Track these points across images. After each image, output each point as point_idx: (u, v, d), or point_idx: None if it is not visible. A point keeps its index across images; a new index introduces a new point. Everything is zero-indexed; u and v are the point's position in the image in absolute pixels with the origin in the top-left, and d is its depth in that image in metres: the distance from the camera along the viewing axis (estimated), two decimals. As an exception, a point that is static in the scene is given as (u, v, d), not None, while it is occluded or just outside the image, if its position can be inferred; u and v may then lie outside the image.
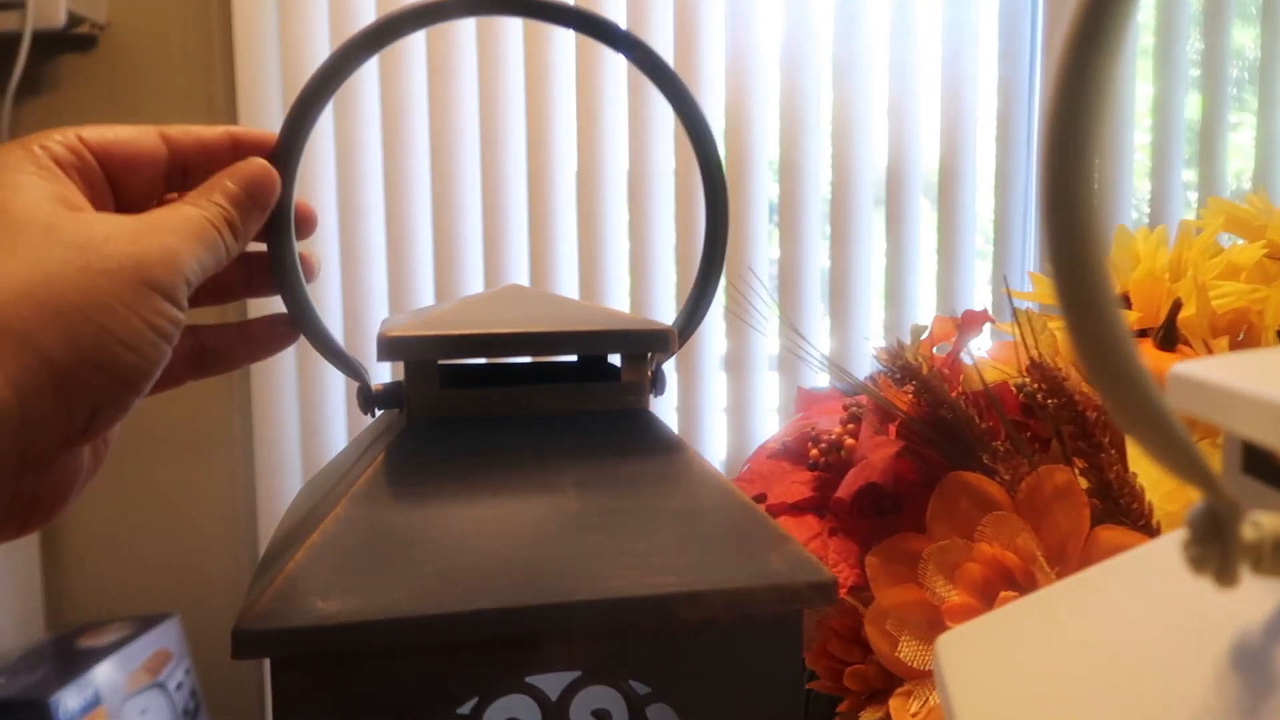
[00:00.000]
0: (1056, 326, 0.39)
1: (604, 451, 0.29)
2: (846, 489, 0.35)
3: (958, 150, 1.10)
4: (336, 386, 1.15)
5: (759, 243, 1.13)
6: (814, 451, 0.39)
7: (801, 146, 1.11)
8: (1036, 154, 1.13)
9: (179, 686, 1.22)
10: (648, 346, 0.30)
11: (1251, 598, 0.15)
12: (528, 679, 0.26)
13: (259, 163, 0.27)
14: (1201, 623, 0.16)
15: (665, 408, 1.16)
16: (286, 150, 0.28)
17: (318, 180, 1.13)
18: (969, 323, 0.38)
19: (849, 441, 0.37)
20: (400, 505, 0.27)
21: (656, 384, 0.33)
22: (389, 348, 0.28)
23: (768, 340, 1.13)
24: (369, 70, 1.13)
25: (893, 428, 0.36)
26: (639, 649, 0.26)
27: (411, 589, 0.24)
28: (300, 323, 0.30)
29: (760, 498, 0.40)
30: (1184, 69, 1.10)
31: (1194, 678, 0.14)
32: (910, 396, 0.36)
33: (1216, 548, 0.13)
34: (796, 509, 0.38)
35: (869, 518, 0.37)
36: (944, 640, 0.21)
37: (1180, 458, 0.13)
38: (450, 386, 0.30)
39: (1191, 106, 1.11)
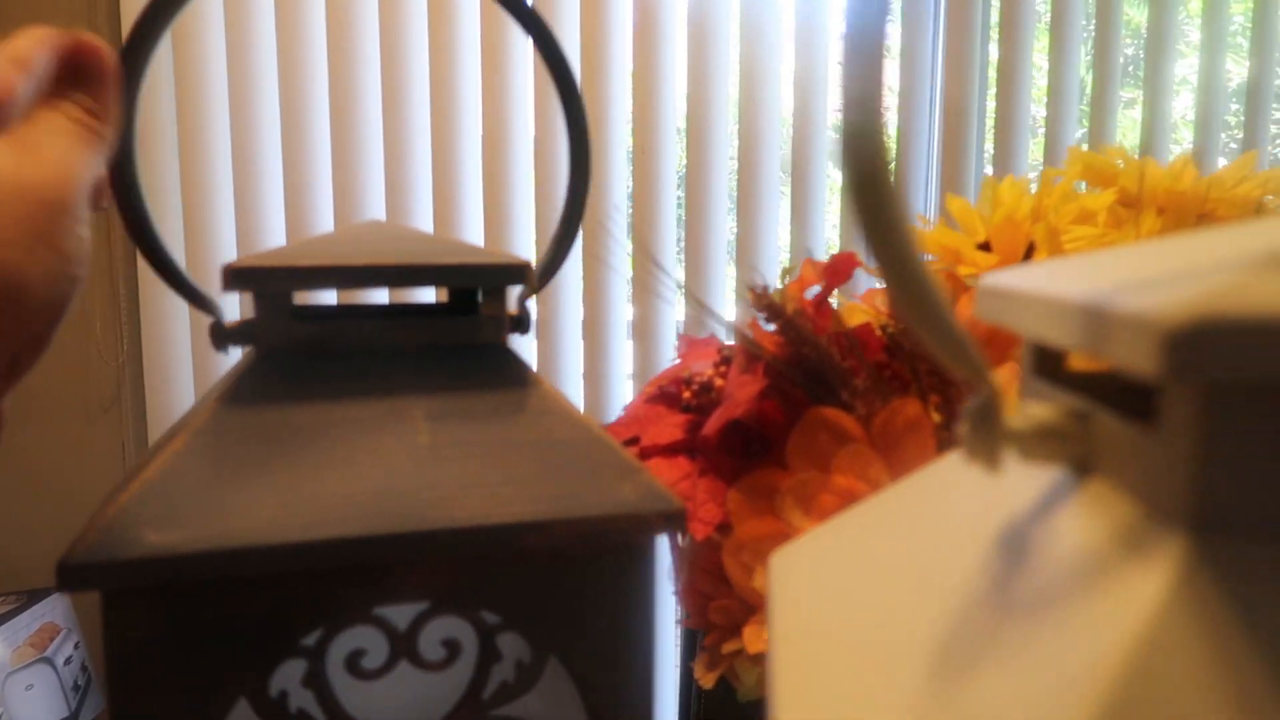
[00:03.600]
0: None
1: (458, 385, 0.29)
2: (712, 426, 0.35)
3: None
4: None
5: (668, 211, 1.14)
6: (686, 393, 0.39)
7: (709, 115, 1.12)
8: (938, 121, 1.16)
9: (68, 661, 1.18)
10: (504, 279, 0.30)
11: (1037, 485, 0.16)
12: (375, 611, 0.26)
13: (101, 51, 0.25)
14: (989, 514, 0.16)
15: (573, 377, 1.17)
16: (132, 55, 0.27)
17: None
18: (835, 266, 0.39)
19: (719, 382, 0.38)
20: (243, 438, 0.26)
21: (522, 323, 0.33)
22: (235, 278, 0.27)
23: (673, 307, 1.15)
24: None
25: (759, 367, 0.37)
26: (490, 579, 0.26)
27: (250, 520, 0.24)
28: (144, 248, 0.29)
29: (634, 440, 0.40)
30: (1078, 44, 1.13)
31: (969, 564, 0.15)
32: (776, 337, 0.37)
33: (984, 436, 0.14)
34: (669, 450, 0.39)
35: (739, 458, 0.38)
36: (776, 556, 0.21)
37: (956, 350, 0.14)
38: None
39: (1085, 80, 1.15)
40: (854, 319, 0.38)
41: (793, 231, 1.13)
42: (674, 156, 1.14)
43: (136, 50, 0.28)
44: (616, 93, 1.12)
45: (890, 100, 1.14)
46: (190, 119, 1.11)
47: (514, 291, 0.32)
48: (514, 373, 0.30)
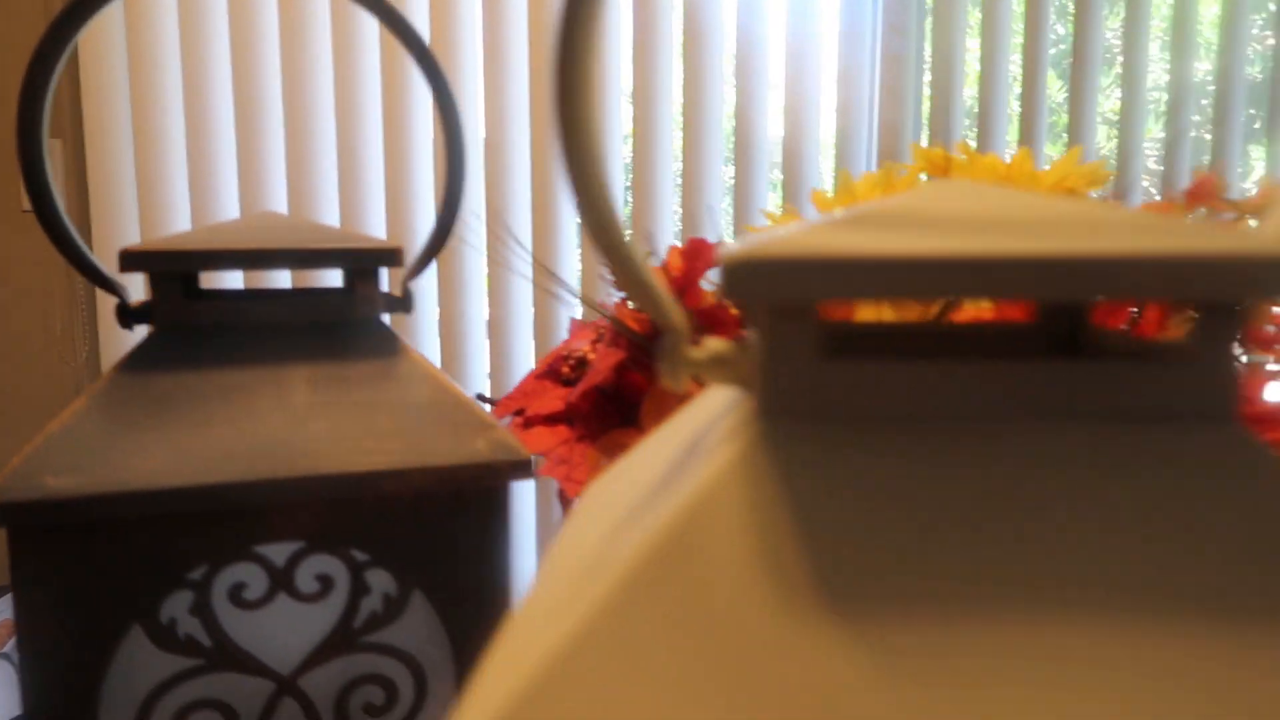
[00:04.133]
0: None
1: (334, 355, 0.33)
2: (577, 393, 0.40)
3: (801, 121, 1.18)
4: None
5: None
6: (565, 368, 0.43)
7: (654, 113, 1.17)
8: (875, 124, 1.22)
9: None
10: (375, 261, 0.33)
11: (723, 402, 0.20)
12: (255, 549, 0.29)
13: None
14: (691, 428, 0.20)
15: (479, 376, 1.22)
16: (41, 57, 0.30)
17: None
18: (695, 251, 0.43)
19: (591, 357, 0.42)
20: (137, 401, 0.30)
21: (404, 302, 0.37)
22: (129, 259, 0.31)
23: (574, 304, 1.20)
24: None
25: (623, 341, 0.41)
26: (359, 521, 0.30)
27: (140, 468, 0.28)
28: (55, 237, 0.32)
29: (520, 412, 0.44)
30: (1008, 31, 1.20)
31: (658, 470, 0.19)
32: (639, 313, 0.41)
33: (672, 364, 0.18)
34: (550, 420, 0.43)
35: (610, 424, 0.42)
36: (584, 492, 0.25)
37: (647, 295, 0.18)
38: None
39: (1015, 65, 1.21)
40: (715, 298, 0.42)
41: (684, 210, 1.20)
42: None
43: (47, 51, 0.31)
44: (532, 94, 1.17)
45: (831, 104, 1.20)
46: (97, 113, 1.14)
47: (399, 275, 0.35)
48: (386, 345, 0.34)
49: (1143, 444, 0.14)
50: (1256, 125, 1.48)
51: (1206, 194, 0.37)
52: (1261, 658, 0.11)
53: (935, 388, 0.14)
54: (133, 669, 0.29)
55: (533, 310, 1.22)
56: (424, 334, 1.22)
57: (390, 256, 0.33)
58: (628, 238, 0.17)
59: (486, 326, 1.22)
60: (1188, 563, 0.12)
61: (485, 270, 1.21)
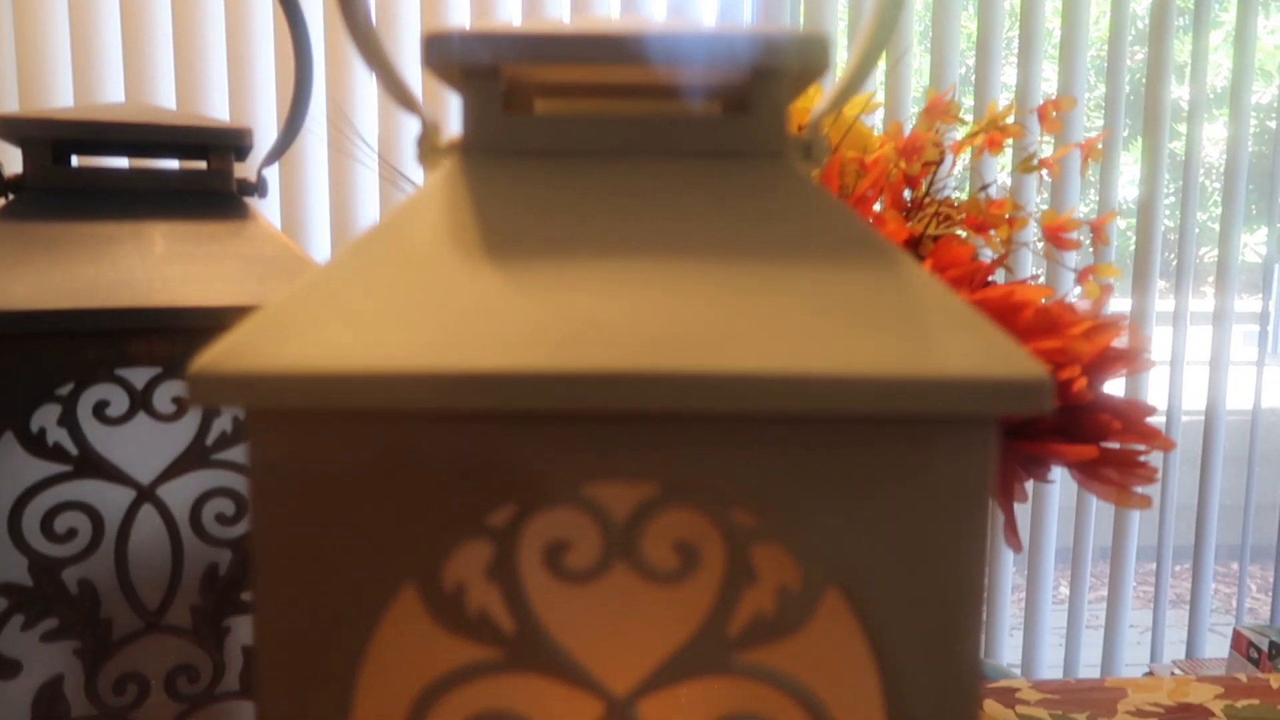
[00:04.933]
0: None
1: (189, 217, 0.37)
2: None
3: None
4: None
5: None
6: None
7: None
8: None
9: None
10: (231, 139, 0.38)
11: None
12: (117, 371, 0.34)
13: None
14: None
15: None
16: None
17: None
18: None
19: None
20: (9, 243, 0.34)
21: (259, 187, 0.42)
22: (2, 126, 0.35)
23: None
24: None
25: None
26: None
27: (14, 293, 0.32)
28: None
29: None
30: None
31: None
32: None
33: (426, 151, 0.24)
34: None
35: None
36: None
37: (399, 92, 0.24)
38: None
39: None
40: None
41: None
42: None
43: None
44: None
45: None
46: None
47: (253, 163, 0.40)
48: (238, 212, 0.39)
49: (716, 167, 0.20)
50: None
51: (941, 111, 0.45)
52: (752, 278, 0.18)
53: (582, 132, 0.20)
54: (6, 473, 0.33)
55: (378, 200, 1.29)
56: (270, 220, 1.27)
57: (240, 136, 0.38)
58: (375, 33, 0.23)
59: (329, 215, 1.28)
60: (726, 232, 0.19)
61: (328, 161, 1.27)
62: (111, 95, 1.19)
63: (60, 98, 1.19)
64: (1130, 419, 0.38)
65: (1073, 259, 1.18)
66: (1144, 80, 1.49)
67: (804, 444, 0.17)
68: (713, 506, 0.18)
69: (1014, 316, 0.38)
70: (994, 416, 0.17)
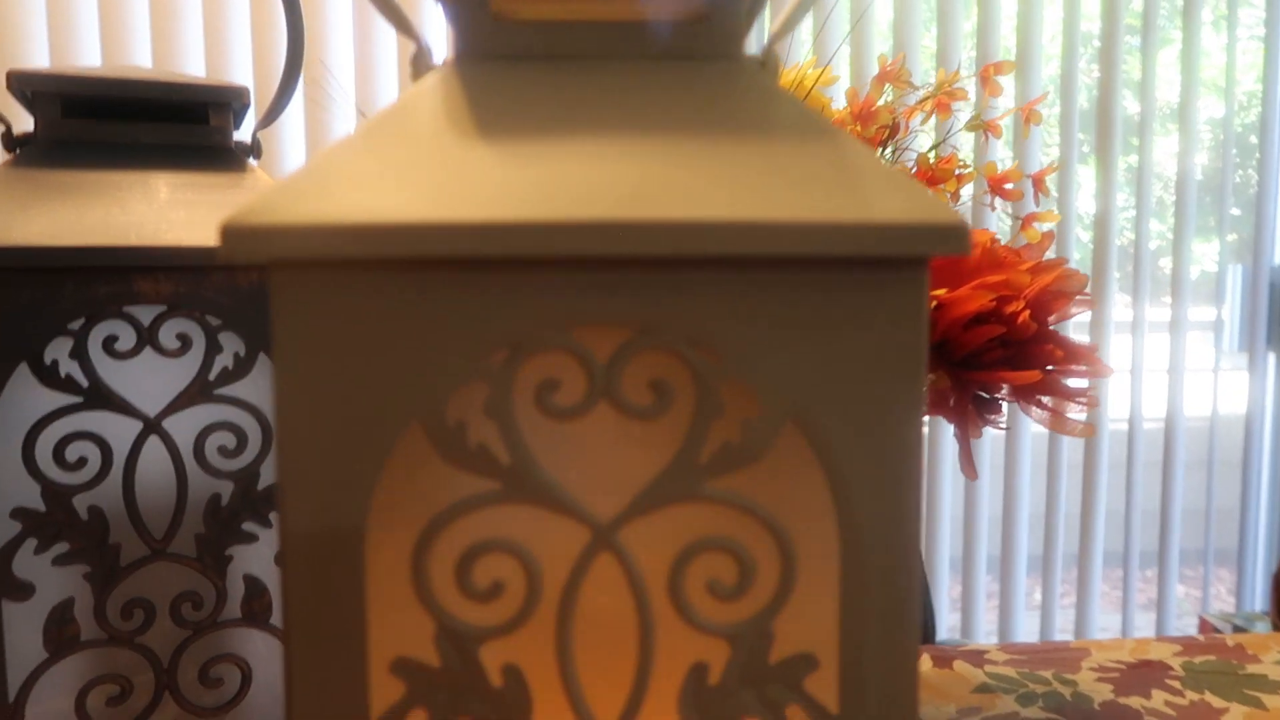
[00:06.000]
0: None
1: (191, 168, 0.40)
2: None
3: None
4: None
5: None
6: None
7: None
8: None
9: None
10: (226, 96, 0.41)
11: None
12: (125, 308, 0.36)
13: None
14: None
15: None
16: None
17: None
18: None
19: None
20: (20, 187, 0.36)
21: (254, 148, 0.44)
22: (14, 79, 0.38)
23: None
24: None
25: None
26: (212, 290, 0.37)
27: (27, 230, 0.34)
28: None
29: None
30: None
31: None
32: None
33: (418, 69, 0.27)
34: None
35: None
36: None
37: (392, 13, 0.26)
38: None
39: None
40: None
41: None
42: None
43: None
44: None
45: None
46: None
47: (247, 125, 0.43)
48: (238, 165, 0.41)
49: (683, 68, 0.23)
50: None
51: (892, 77, 0.48)
52: (713, 150, 0.21)
53: (562, 37, 0.23)
54: (20, 403, 0.35)
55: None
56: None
57: (239, 93, 0.41)
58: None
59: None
60: (691, 117, 0.22)
61: (304, 116, 1.31)
62: (88, 59, 1.21)
63: (36, 60, 1.21)
64: (1071, 348, 0.40)
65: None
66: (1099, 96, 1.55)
67: (760, 289, 0.20)
68: (682, 346, 0.20)
69: (962, 256, 0.41)
70: (922, 258, 0.20)
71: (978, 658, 0.64)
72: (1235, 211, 1.77)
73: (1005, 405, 0.44)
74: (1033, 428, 1.61)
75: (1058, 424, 0.41)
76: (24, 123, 0.40)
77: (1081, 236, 1.62)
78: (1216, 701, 0.56)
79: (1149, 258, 1.60)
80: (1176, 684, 0.58)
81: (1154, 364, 1.62)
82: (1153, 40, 1.54)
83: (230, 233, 0.19)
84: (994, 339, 0.38)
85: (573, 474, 0.21)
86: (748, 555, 0.21)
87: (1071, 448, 1.60)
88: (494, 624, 0.21)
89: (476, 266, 0.20)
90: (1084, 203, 1.62)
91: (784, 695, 0.21)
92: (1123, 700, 0.56)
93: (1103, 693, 0.57)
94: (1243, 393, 1.68)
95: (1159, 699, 0.56)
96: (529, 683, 0.21)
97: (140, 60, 1.23)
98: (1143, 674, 0.60)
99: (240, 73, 1.28)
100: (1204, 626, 1.41)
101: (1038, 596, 1.68)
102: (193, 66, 1.26)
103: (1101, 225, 1.55)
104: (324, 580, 0.20)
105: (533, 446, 0.21)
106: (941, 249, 0.19)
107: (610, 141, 0.21)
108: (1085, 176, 1.63)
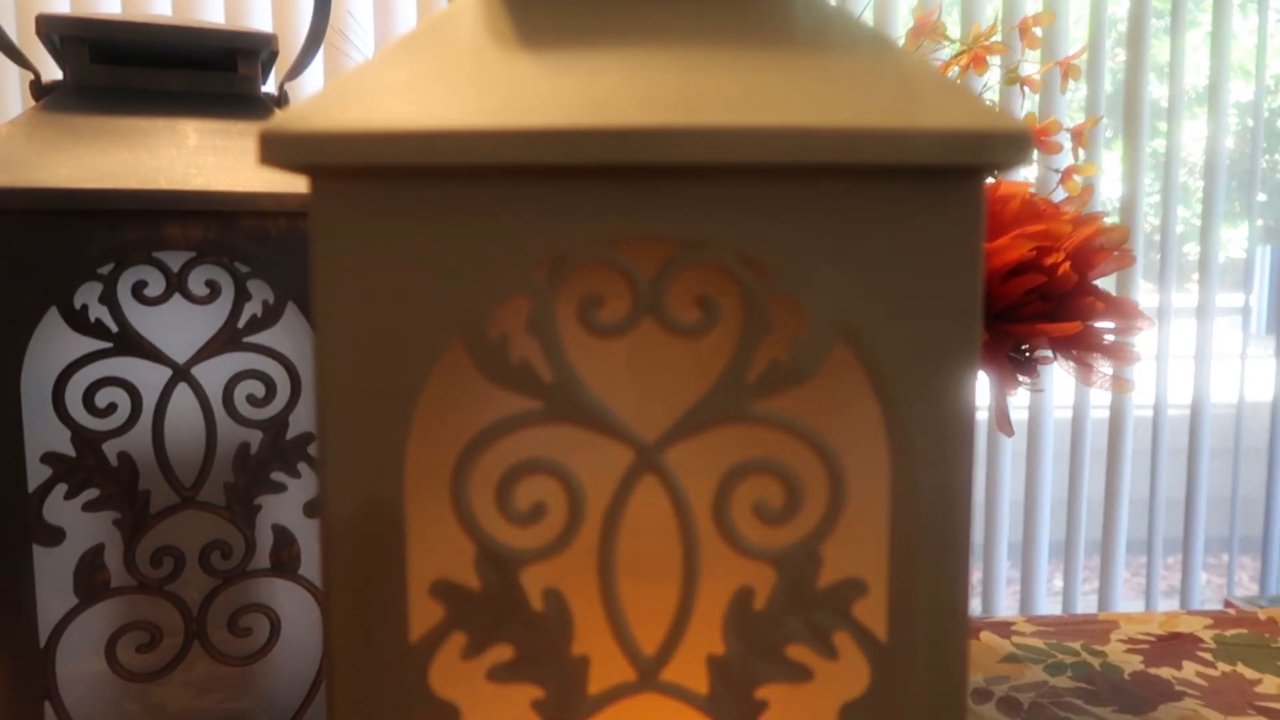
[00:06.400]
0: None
1: (220, 114, 0.39)
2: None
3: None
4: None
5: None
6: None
7: None
8: None
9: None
10: (253, 44, 0.40)
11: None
12: (154, 254, 0.36)
13: None
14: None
15: None
16: None
17: None
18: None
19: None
20: (53, 129, 0.36)
21: (281, 99, 0.44)
22: (44, 23, 0.37)
23: None
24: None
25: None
26: (241, 236, 0.37)
27: (57, 173, 0.34)
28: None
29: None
30: None
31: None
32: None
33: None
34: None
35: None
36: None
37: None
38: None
39: None
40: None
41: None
42: None
43: None
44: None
45: None
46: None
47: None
48: (263, 112, 0.41)
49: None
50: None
51: (929, 30, 0.47)
52: (763, 61, 0.20)
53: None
54: (49, 347, 0.35)
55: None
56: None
57: (267, 40, 0.40)
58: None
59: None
60: (742, 30, 0.21)
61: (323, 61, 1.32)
62: (108, 7, 1.22)
63: (55, 9, 1.22)
64: (1112, 301, 0.40)
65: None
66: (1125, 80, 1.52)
67: (812, 202, 0.19)
68: (730, 261, 0.19)
69: (1001, 207, 0.40)
70: (978, 169, 0.19)
71: (1004, 629, 0.63)
72: (1262, 197, 1.74)
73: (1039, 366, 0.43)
74: (1056, 413, 1.60)
75: (1085, 378, 0.40)
76: (52, 73, 0.39)
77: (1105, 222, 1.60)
78: (1249, 673, 0.55)
79: (1175, 243, 1.58)
80: (1208, 655, 0.58)
81: (1180, 350, 1.60)
82: (1180, 23, 1.52)
83: (270, 139, 0.18)
84: (1033, 290, 0.38)
85: (616, 393, 0.21)
86: (796, 477, 0.20)
87: (1095, 434, 1.59)
88: (535, 547, 0.20)
89: (520, 178, 0.19)
90: (1110, 188, 1.60)
91: (831, 621, 0.20)
92: (1153, 671, 0.55)
93: (1132, 663, 0.56)
94: (1270, 379, 1.66)
95: (1190, 670, 0.55)
96: (570, 607, 0.21)
97: (160, 10, 1.23)
98: (1173, 646, 0.60)
99: (260, 22, 1.29)
100: (1229, 608, 1.39)
101: (1058, 583, 1.67)
102: (212, 15, 1.27)
103: (1127, 210, 1.53)
104: (363, 497, 0.20)
105: (576, 365, 0.20)
106: (1004, 158, 0.19)
107: (657, 51, 0.20)
108: (1111, 161, 1.60)
